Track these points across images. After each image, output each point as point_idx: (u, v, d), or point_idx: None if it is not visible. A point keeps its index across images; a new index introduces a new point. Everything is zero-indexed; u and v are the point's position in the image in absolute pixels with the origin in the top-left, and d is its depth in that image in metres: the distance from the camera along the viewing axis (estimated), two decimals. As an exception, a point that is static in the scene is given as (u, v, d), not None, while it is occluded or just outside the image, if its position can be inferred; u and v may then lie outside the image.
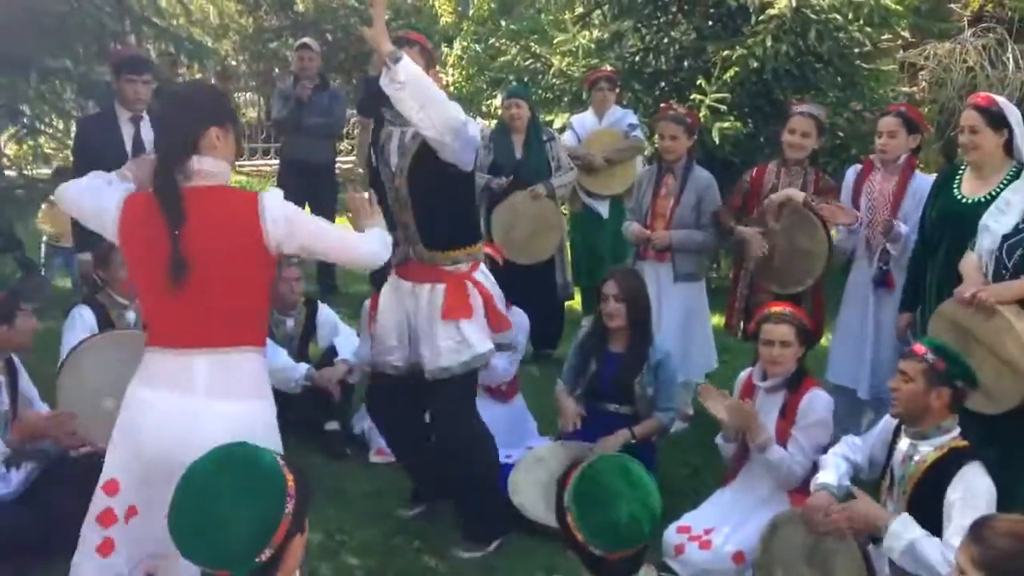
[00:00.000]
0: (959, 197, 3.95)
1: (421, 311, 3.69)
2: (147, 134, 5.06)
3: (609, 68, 6.90)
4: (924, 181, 4.44)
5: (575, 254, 6.57)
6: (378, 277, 6.61)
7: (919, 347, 3.11)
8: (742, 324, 4.88)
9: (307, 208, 7.04)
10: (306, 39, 7.48)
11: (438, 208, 3.61)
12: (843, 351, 4.68)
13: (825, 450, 3.60)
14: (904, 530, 2.84)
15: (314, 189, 6.80)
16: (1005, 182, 3.81)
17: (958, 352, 3.13)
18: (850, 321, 4.66)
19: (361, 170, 7.90)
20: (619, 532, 2.06)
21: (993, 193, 3.80)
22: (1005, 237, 3.51)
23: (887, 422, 3.34)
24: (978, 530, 2.22)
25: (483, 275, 3.81)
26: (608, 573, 2.12)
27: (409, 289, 3.73)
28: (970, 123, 3.84)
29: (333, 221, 7.75)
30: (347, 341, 5.00)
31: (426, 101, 3.22)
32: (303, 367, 4.75)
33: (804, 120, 4.62)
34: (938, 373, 3.01)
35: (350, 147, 12.41)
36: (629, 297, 4.19)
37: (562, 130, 7.24)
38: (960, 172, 4.03)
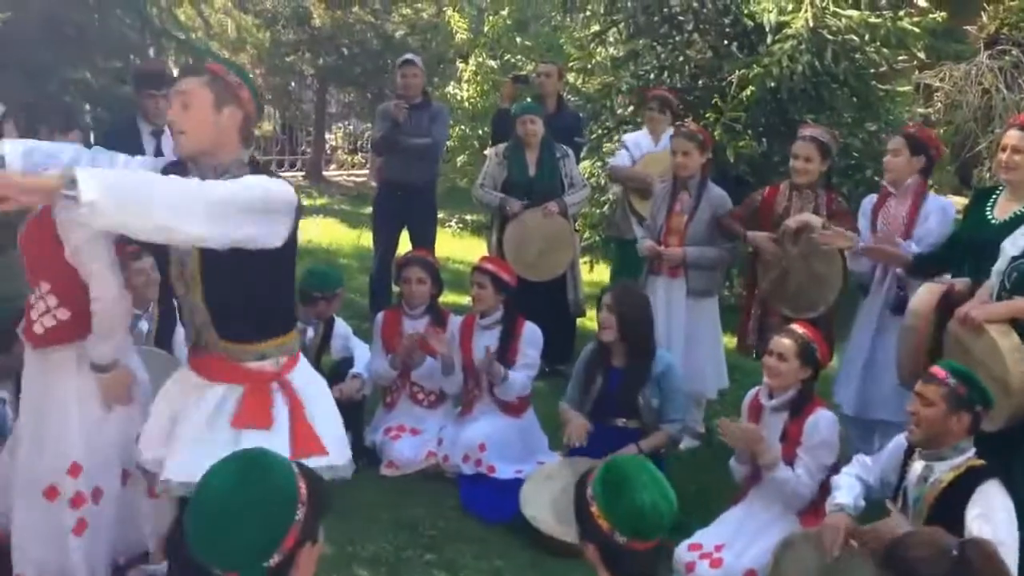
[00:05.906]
0: (989, 218, 3.90)
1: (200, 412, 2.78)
2: (168, 148, 5.09)
3: (664, 88, 6.58)
4: (937, 203, 4.44)
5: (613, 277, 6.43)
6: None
7: (940, 371, 3.07)
8: (755, 344, 4.86)
9: (405, 230, 6.78)
10: (410, 55, 6.89)
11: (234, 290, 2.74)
12: (846, 374, 4.65)
13: (832, 470, 3.60)
14: None
15: (411, 211, 6.55)
16: None
17: (977, 376, 3.10)
18: (855, 345, 4.62)
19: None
20: (644, 516, 2.10)
21: (1015, 215, 3.79)
22: (1014, 258, 3.49)
23: (898, 443, 3.31)
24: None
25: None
26: (625, 569, 2.13)
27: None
28: (1015, 143, 3.78)
29: (433, 243, 6.86)
30: (361, 354, 5.00)
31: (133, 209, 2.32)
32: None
33: (805, 145, 4.61)
34: (959, 397, 3.00)
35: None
36: (622, 310, 4.20)
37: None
38: (997, 193, 3.97)
